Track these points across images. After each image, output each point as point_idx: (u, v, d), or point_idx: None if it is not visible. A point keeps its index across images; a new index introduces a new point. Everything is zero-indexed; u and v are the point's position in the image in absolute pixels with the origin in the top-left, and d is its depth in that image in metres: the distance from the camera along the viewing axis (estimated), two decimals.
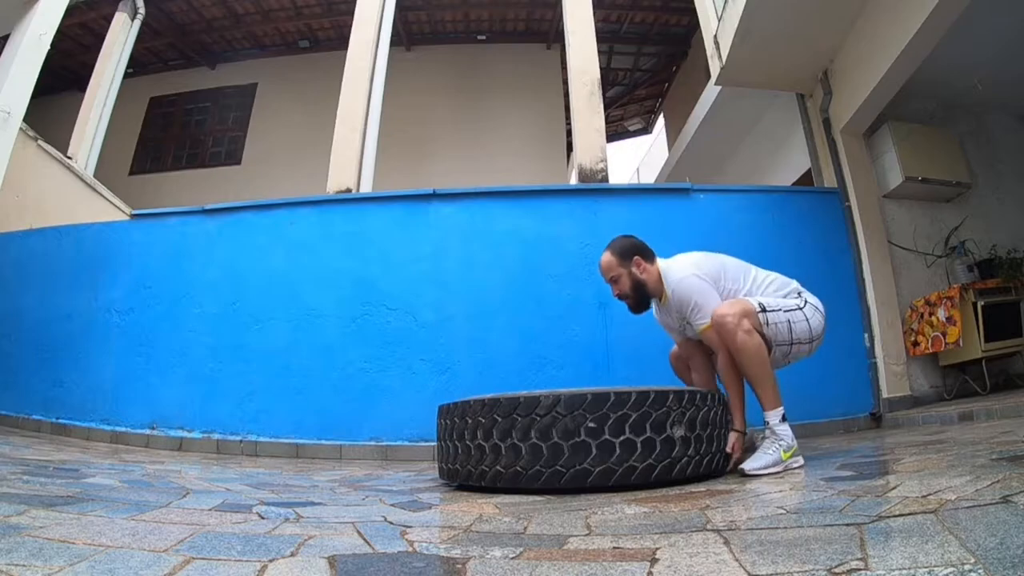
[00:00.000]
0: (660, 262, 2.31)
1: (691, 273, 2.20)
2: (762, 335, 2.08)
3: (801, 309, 2.19)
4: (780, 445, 1.99)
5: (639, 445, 1.76)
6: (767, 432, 2.05)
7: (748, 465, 1.94)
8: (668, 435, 1.79)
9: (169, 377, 4.03)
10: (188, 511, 1.37)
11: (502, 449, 1.82)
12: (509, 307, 3.99)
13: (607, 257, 2.33)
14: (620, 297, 2.33)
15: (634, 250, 2.30)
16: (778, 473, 1.91)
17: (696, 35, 7.67)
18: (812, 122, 4.88)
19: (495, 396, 1.91)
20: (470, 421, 1.93)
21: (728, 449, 2.07)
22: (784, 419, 2.07)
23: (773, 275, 2.34)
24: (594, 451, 1.74)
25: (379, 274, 4.09)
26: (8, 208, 4.74)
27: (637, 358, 3.91)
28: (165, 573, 0.85)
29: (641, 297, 2.30)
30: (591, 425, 1.75)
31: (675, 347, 2.53)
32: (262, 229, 4.33)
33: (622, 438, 1.75)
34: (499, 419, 1.84)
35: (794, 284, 2.33)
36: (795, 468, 1.99)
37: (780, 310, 2.15)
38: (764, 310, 2.11)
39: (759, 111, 6.64)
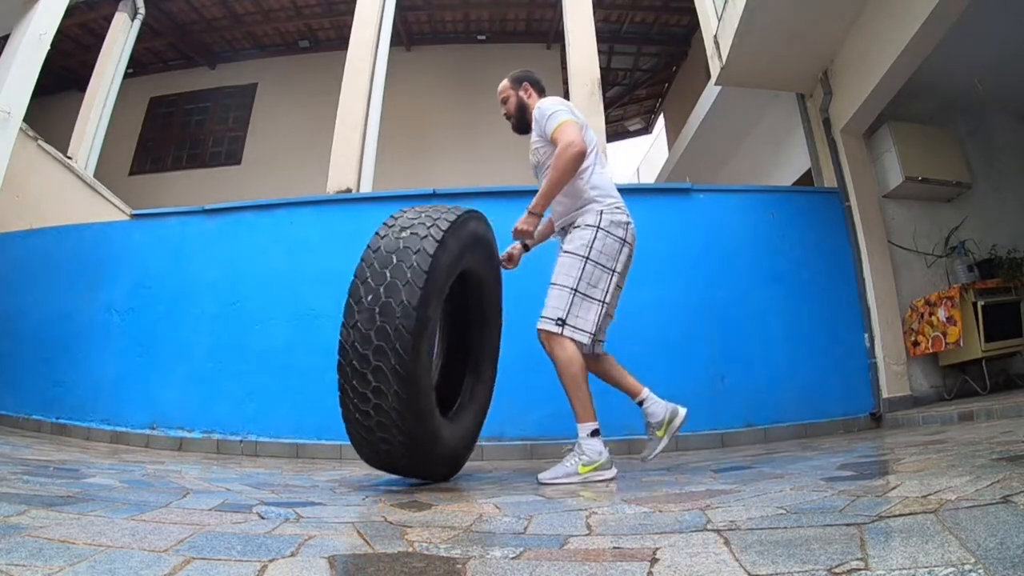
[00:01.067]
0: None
1: (560, 100, 2.37)
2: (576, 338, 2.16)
3: (587, 259, 2.20)
4: (580, 459, 2.08)
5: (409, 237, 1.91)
6: (574, 445, 2.13)
7: (542, 475, 2.07)
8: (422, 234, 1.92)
9: (169, 377, 4.03)
10: (188, 511, 1.37)
11: (370, 368, 1.90)
12: (508, 307, 3.98)
13: (503, 81, 2.58)
14: (507, 116, 2.56)
15: (526, 78, 2.55)
16: (572, 485, 1.99)
17: (696, 35, 7.67)
18: (812, 122, 4.88)
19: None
20: (351, 406, 2.01)
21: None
22: (594, 434, 2.11)
23: (595, 182, 2.33)
24: (391, 281, 1.84)
25: None
26: (8, 208, 4.74)
27: (637, 357, 3.90)
28: (165, 573, 0.85)
29: (522, 117, 2.51)
30: (368, 283, 1.89)
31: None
32: (262, 229, 4.32)
33: (390, 268, 1.86)
34: (348, 368, 1.99)
35: (603, 203, 2.30)
36: (598, 481, 2.04)
37: (569, 299, 2.19)
38: (563, 324, 2.17)
39: (759, 111, 6.64)
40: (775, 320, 4.06)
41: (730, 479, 1.93)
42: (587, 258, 2.20)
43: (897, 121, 4.54)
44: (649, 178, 11.44)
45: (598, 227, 2.23)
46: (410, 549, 1.05)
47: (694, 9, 5.57)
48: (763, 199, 4.50)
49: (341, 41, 6.93)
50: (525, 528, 1.24)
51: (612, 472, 2.10)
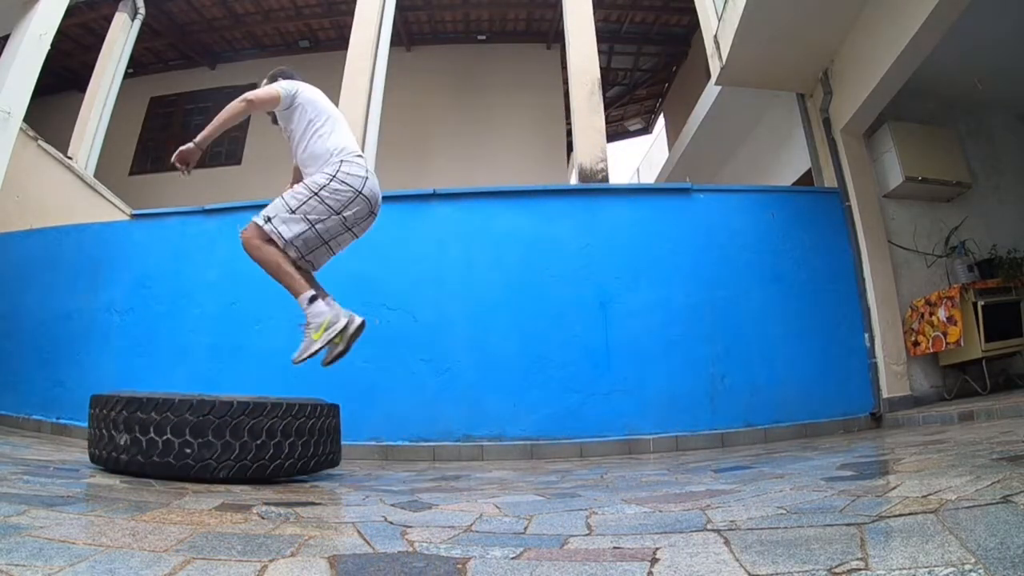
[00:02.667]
0: None
1: (302, 82, 2.61)
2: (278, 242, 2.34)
3: (316, 195, 2.35)
4: (312, 329, 2.26)
5: None
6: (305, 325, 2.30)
7: (293, 356, 2.27)
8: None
9: (169, 377, 4.03)
10: (188, 511, 1.37)
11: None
12: (509, 307, 3.99)
13: (263, 81, 2.73)
14: (268, 112, 2.71)
15: (279, 75, 2.72)
16: (322, 347, 2.19)
17: (696, 35, 7.66)
18: (812, 122, 4.87)
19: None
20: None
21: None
22: (312, 300, 2.29)
23: (331, 142, 2.48)
24: None
25: (379, 274, 4.08)
26: (8, 208, 4.73)
27: (637, 357, 3.91)
28: (165, 573, 0.85)
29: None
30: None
31: None
32: None
33: None
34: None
35: (340, 156, 2.45)
36: (337, 333, 2.22)
37: (286, 212, 2.35)
38: (269, 220, 2.34)
39: (759, 111, 6.64)
40: (775, 320, 4.06)
41: (730, 479, 1.93)
42: (316, 194, 2.37)
43: (897, 121, 4.54)
44: (649, 178, 11.42)
45: (334, 176, 2.40)
46: (410, 549, 1.05)
47: (694, 9, 5.57)
48: (763, 199, 4.50)
49: (341, 41, 6.92)
50: (525, 528, 1.24)
51: (343, 320, 2.26)
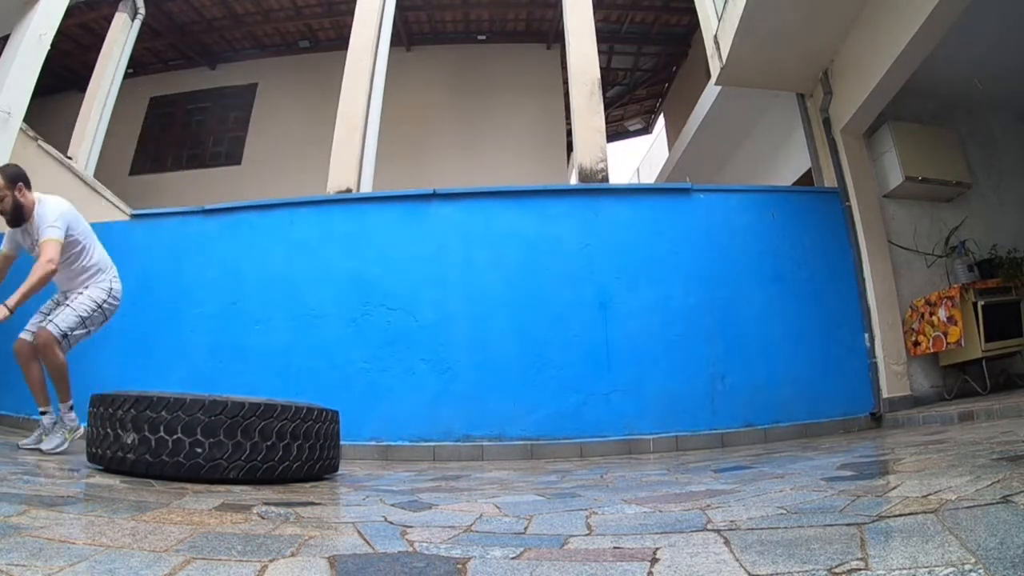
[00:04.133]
0: (36, 194, 2.90)
1: (66, 208, 2.90)
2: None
3: (100, 307, 2.96)
4: (65, 429, 2.88)
5: None
6: (58, 420, 2.89)
7: (45, 446, 2.77)
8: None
9: (169, 377, 4.02)
10: (188, 511, 1.37)
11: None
12: (509, 307, 3.99)
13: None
14: (2, 212, 2.91)
15: (19, 178, 2.89)
16: (66, 447, 2.77)
17: (696, 35, 7.67)
18: (812, 122, 4.87)
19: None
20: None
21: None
22: (72, 408, 2.91)
23: (98, 264, 2.98)
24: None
25: (379, 274, 4.08)
26: None
27: (637, 357, 3.91)
28: (165, 573, 0.85)
29: (18, 214, 2.87)
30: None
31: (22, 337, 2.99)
32: (262, 229, 4.32)
33: None
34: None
35: (109, 275, 3.03)
36: (79, 436, 2.75)
37: (78, 326, 2.90)
38: (66, 336, 2.84)
39: (759, 111, 6.64)
40: (775, 320, 4.06)
41: (730, 479, 1.93)
42: (100, 307, 2.97)
43: (897, 121, 4.54)
44: (649, 178, 11.42)
45: (110, 292, 3.01)
46: (410, 549, 1.05)
47: (694, 9, 5.57)
48: (763, 199, 4.50)
49: (341, 41, 6.92)
50: (525, 528, 1.24)
51: (81, 428, 2.72)
